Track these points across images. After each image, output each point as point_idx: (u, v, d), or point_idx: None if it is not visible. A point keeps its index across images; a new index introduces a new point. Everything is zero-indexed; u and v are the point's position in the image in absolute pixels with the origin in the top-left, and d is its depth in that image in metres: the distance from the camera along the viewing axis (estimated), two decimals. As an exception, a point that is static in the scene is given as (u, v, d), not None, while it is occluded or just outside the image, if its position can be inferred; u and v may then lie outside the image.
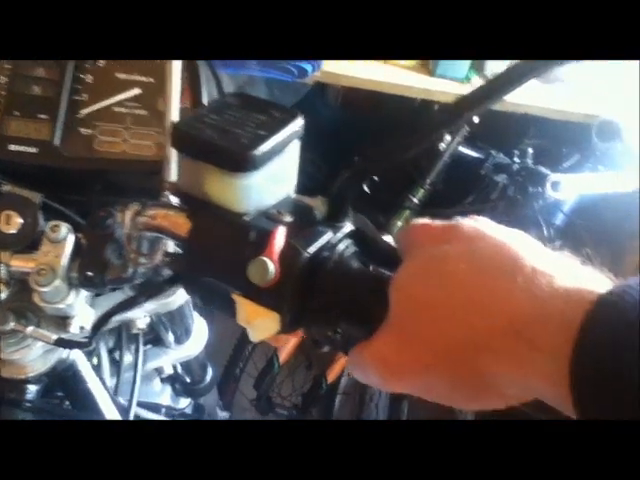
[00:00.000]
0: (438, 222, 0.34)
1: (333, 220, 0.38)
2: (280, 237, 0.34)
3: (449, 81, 1.36)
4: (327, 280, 0.35)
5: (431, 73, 1.38)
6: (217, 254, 0.36)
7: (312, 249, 0.35)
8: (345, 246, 0.37)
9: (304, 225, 0.37)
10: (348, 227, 0.38)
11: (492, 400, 0.29)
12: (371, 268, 0.38)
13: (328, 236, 0.36)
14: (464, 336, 0.28)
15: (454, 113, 0.32)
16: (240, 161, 0.35)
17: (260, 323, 0.36)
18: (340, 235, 0.37)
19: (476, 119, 1.44)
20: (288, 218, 0.37)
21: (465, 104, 0.32)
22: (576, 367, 0.24)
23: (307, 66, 0.91)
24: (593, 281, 0.26)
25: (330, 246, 0.36)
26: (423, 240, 0.33)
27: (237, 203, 0.37)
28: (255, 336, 0.36)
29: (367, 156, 0.36)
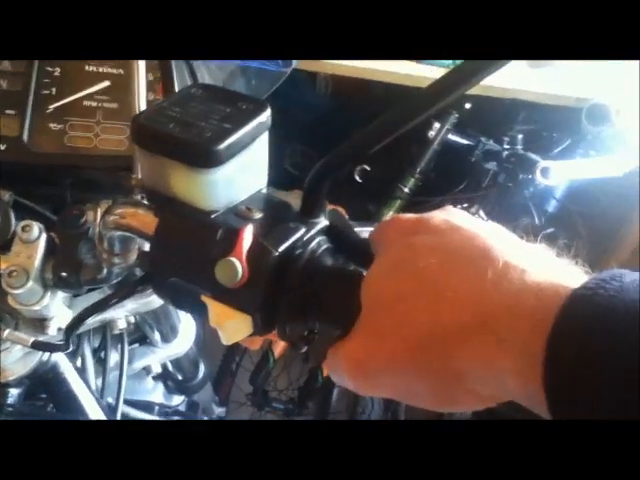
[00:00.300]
0: (409, 215, 0.33)
1: (307, 215, 0.37)
2: (248, 236, 0.33)
3: (437, 67, 1.34)
4: (298, 279, 0.34)
5: (419, 60, 1.36)
6: (184, 254, 0.35)
7: (282, 247, 0.33)
8: (317, 243, 0.35)
9: (275, 222, 0.35)
10: (322, 223, 0.37)
11: (468, 401, 0.28)
12: (344, 265, 0.36)
13: (300, 233, 0.35)
14: (433, 330, 0.27)
15: (423, 102, 0.31)
16: (204, 156, 0.33)
17: (231, 325, 0.34)
18: (313, 232, 0.36)
19: (467, 105, 1.42)
20: (258, 215, 0.35)
21: (438, 90, 0.31)
22: (549, 364, 0.23)
23: (291, 55, 0.89)
24: (567, 275, 0.25)
25: (302, 243, 0.35)
26: (394, 235, 0.32)
27: (204, 200, 0.35)
28: (227, 338, 0.35)
29: (339, 149, 0.34)
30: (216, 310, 0.34)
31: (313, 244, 0.35)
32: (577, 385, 0.22)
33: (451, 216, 0.30)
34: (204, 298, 0.34)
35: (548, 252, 0.27)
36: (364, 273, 0.35)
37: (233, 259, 0.32)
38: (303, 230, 0.35)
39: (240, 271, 0.32)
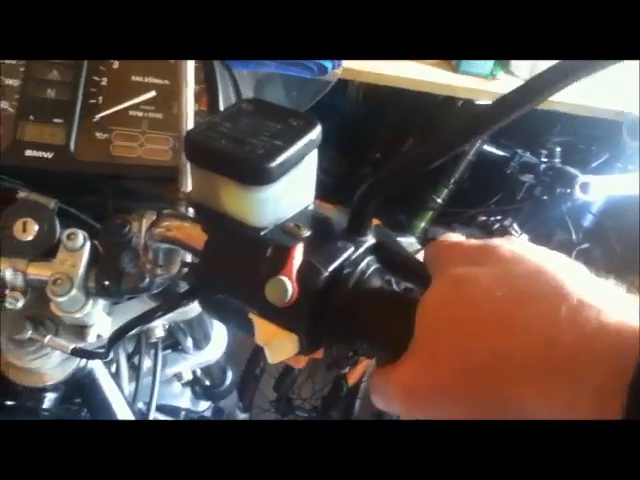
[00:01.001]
0: (471, 241, 0.32)
1: (354, 233, 0.36)
2: (298, 254, 0.33)
3: (473, 77, 1.33)
4: (347, 300, 0.33)
5: (454, 69, 1.35)
6: (233, 270, 0.35)
7: (332, 267, 0.33)
8: (367, 263, 0.35)
9: (323, 239, 0.35)
10: (370, 241, 0.36)
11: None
12: (396, 286, 0.36)
13: (349, 252, 0.34)
14: (495, 364, 0.26)
15: (486, 121, 0.30)
16: (256, 173, 0.33)
17: (278, 344, 0.34)
18: (361, 251, 0.35)
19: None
20: (306, 232, 0.35)
21: (500, 109, 0.30)
22: (632, 409, 0.22)
23: (327, 63, 0.89)
24: None
25: (350, 263, 0.34)
26: (454, 260, 0.31)
27: (253, 217, 0.35)
28: (273, 357, 0.34)
29: (390, 167, 0.34)
30: (264, 329, 0.34)
31: (362, 264, 0.34)
32: None
33: (517, 245, 0.30)
34: (252, 316, 0.34)
35: (619, 288, 0.26)
36: (415, 294, 0.34)
37: (284, 278, 0.32)
38: (352, 249, 0.35)
39: (290, 290, 0.32)
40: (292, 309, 0.32)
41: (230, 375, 1.05)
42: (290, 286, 0.32)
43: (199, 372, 0.97)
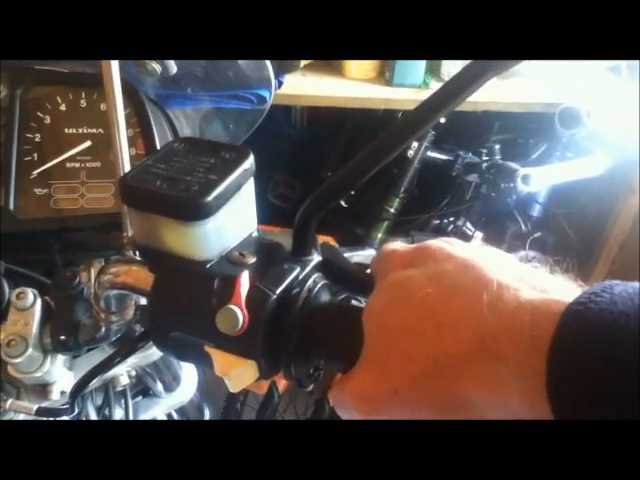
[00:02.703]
0: (405, 246, 0.33)
1: (300, 254, 0.37)
2: (245, 282, 0.33)
3: (407, 88, 1.37)
4: (298, 319, 0.34)
5: (388, 82, 1.39)
6: (183, 307, 0.35)
7: (279, 289, 0.33)
8: (313, 280, 0.36)
9: (270, 264, 0.36)
10: (315, 259, 0.37)
11: None
12: (344, 298, 0.37)
13: (295, 272, 0.35)
14: (436, 360, 0.27)
15: (412, 126, 0.31)
16: (193, 210, 0.34)
17: (237, 372, 0.34)
18: (308, 270, 0.36)
19: (442, 120, 1.45)
20: (252, 259, 0.36)
21: (423, 114, 0.31)
22: (552, 382, 0.23)
23: (265, 92, 0.91)
24: (561, 290, 0.26)
25: (298, 282, 0.35)
26: (392, 265, 0.32)
27: (197, 251, 0.35)
28: (234, 386, 0.35)
29: (325, 184, 0.35)
30: (221, 360, 0.34)
31: (309, 282, 0.35)
32: (580, 401, 0.22)
33: (446, 244, 0.31)
34: (207, 349, 0.34)
35: (541, 270, 0.28)
36: (362, 304, 0.35)
37: (232, 307, 0.32)
38: (298, 269, 0.35)
39: (240, 318, 0.32)
40: (246, 336, 0.33)
41: (207, 413, 1.04)
42: (240, 314, 0.32)
43: (175, 415, 0.95)
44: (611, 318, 0.22)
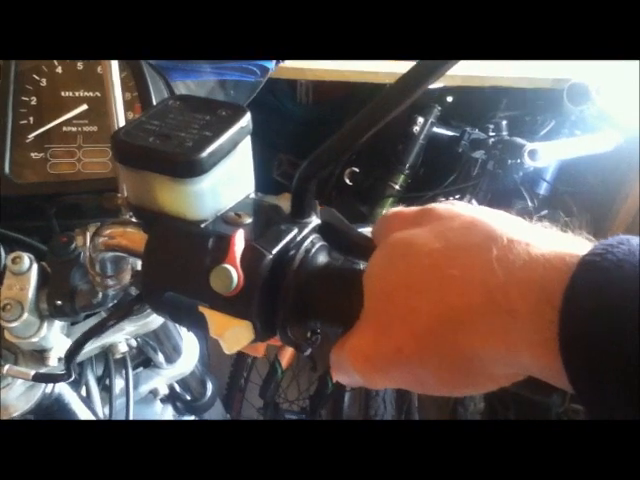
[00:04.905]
0: (411, 208, 0.32)
1: (298, 216, 0.36)
2: (240, 241, 0.32)
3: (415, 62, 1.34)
4: (294, 279, 0.33)
5: (397, 57, 1.36)
6: (177, 267, 0.34)
7: (275, 249, 0.33)
8: (311, 242, 0.35)
9: (266, 225, 0.35)
10: (314, 222, 0.36)
11: (481, 382, 0.28)
12: (342, 261, 0.36)
13: (293, 234, 0.34)
14: (441, 314, 0.26)
15: (401, 92, 0.31)
16: (187, 166, 0.33)
17: (232, 334, 0.34)
18: (306, 231, 0.35)
19: (449, 98, 1.43)
20: (248, 220, 0.35)
21: (409, 82, 0.31)
22: (564, 332, 0.22)
23: (269, 64, 0.89)
24: (573, 245, 0.25)
25: (295, 244, 0.34)
26: (395, 226, 0.32)
27: (191, 210, 0.35)
28: (229, 347, 0.34)
29: (323, 145, 0.34)
30: (215, 320, 0.33)
31: (307, 243, 0.34)
32: (595, 350, 0.21)
33: (452, 205, 0.31)
34: (202, 309, 0.34)
35: (550, 229, 0.27)
36: (361, 267, 0.34)
37: (227, 266, 0.31)
38: (295, 230, 0.35)
39: (235, 277, 0.31)
40: (241, 296, 0.32)
41: (210, 386, 1.04)
42: (234, 273, 0.31)
43: (177, 387, 0.96)
44: (630, 267, 0.21)
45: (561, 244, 0.25)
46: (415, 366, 0.28)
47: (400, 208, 0.34)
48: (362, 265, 0.36)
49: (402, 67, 0.31)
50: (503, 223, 0.27)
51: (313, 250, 0.35)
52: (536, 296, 0.23)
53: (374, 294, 0.30)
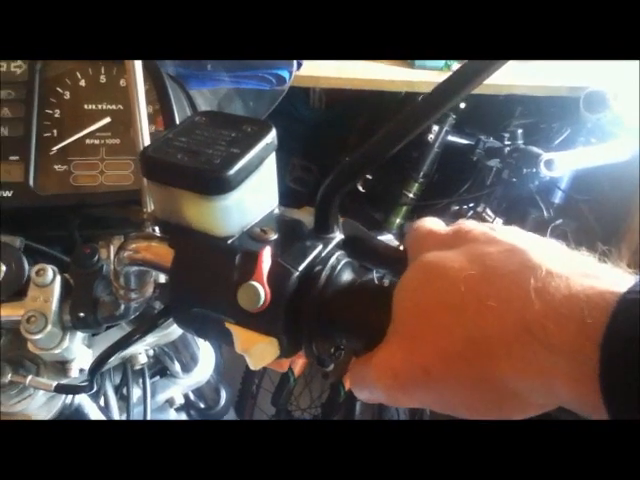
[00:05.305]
0: (445, 227, 0.32)
1: (322, 231, 0.36)
2: (267, 258, 0.32)
3: (429, 70, 1.34)
4: (321, 296, 0.33)
5: (410, 64, 1.36)
6: (204, 283, 0.34)
7: (301, 266, 0.33)
8: (336, 258, 0.35)
9: (291, 241, 0.35)
10: (338, 237, 0.36)
11: (515, 409, 0.27)
12: (373, 275, 0.36)
13: (318, 250, 0.34)
14: (474, 341, 0.26)
15: (431, 106, 0.31)
16: (215, 183, 0.33)
17: (258, 350, 0.34)
18: (330, 247, 0.35)
19: (462, 105, 1.42)
20: (273, 236, 0.35)
21: (440, 95, 0.31)
22: (605, 367, 0.22)
23: (284, 72, 0.90)
24: (612, 280, 0.25)
25: (320, 260, 0.34)
26: (429, 245, 0.31)
27: (218, 226, 0.35)
28: (255, 364, 0.34)
29: (348, 161, 0.34)
30: (242, 336, 0.33)
31: (332, 260, 0.34)
32: (635, 384, 0.21)
33: (490, 230, 0.30)
34: (228, 325, 0.34)
35: (589, 258, 0.27)
36: (386, 283, 0.34)
37: (255, 283, 0.32)
38: (320, 247, 0.35)
39: (262, 294, 0.31)
40: (267, 313, 0.32)
41: (224, 395, 1.04)
42: (262, 290, 0.32)
43: (192, 396, 0.96)
44: None
45: (601, 278, 0.25)
46: (439, 388, 0.28)
47: (432, 224, 0.34)
48: (387, 279, 0.36)
49: (413, 75, 0.32)
50: (542, 252, 0.27)
51: (339, 267, 0.35)
52: (575, 331, 0.23)
53: (406, 309, 0.29)
